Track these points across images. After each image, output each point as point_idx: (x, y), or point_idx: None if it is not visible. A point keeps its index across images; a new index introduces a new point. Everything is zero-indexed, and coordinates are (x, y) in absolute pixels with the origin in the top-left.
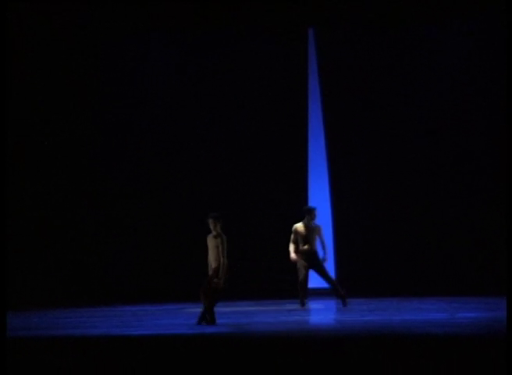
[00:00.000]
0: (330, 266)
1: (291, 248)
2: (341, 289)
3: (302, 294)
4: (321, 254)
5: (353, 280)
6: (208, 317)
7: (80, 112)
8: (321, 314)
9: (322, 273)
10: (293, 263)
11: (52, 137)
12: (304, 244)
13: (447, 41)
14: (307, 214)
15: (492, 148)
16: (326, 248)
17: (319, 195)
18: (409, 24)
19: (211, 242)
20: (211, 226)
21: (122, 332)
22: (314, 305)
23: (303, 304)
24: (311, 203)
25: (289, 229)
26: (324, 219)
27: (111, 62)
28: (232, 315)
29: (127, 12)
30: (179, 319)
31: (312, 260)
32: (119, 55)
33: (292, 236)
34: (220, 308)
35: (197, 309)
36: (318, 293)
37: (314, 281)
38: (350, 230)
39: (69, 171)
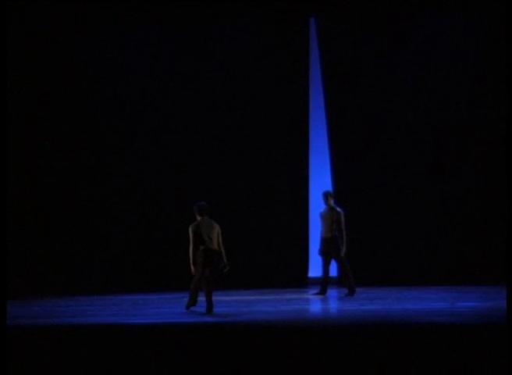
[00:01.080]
0: None
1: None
2: (353, 282)
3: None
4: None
5: (353, 270)
6: (206, 306)
7: (74, 107)
8: (321, 303)
9: (337, 261)
10: None
11: (51, 132)
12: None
13: (451, 30)
14: None
15: (493, 140)
16: (344, 236)
17: (320, 184)
18: (412, 13)
19: None
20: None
21: (122, 320)
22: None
23: (318, 292)
24: (312, 192)
25: (288, 217)
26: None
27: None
28: (232, 303)
29: (124, 6)
30: (179, 307)
31: (323, 247)
32: (115, 50)
33: None
34: (220, 297)
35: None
36: (318, 282)
37: (315, 270)
38: (350, 219)
39: (66, 159)
